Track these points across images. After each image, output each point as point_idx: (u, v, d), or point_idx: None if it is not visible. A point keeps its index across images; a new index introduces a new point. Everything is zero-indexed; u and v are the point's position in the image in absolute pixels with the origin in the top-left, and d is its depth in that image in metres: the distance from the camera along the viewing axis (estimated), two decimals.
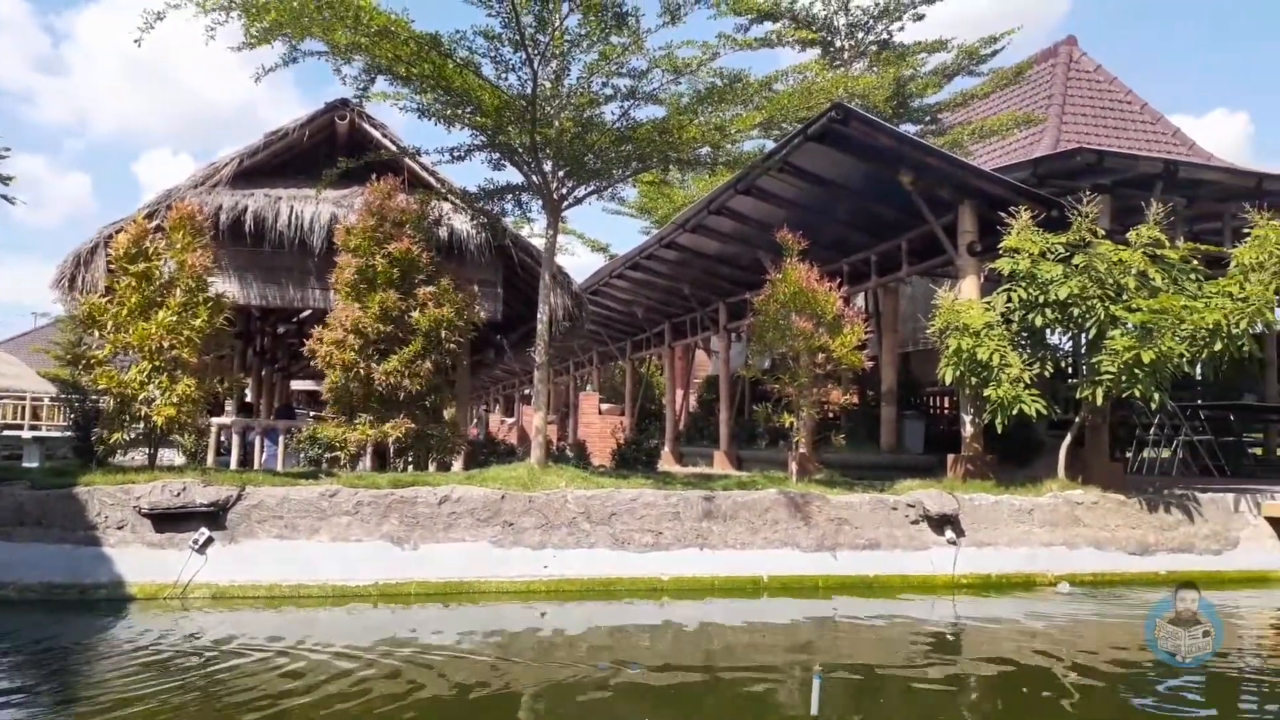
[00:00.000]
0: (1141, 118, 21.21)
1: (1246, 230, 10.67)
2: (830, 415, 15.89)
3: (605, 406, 25.61)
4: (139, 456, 10.44)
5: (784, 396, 11.54)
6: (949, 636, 7.96)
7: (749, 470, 15.54)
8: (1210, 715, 5.79)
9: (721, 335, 19.84)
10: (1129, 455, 14.81)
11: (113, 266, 10.11)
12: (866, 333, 11.35)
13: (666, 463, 20.14)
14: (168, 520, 8.28)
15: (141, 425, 9.72)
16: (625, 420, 24.39)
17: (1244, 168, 15.19)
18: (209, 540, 8.30)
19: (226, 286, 12.36)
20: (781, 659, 6.89)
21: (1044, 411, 10.52)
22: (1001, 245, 10.99)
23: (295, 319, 18.75)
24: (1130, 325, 10.22)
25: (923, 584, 9.36)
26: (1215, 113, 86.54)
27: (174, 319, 9.57)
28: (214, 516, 8.42)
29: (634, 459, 14.65)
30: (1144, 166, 11.79)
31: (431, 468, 11.52)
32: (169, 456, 13.31)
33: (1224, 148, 69.91)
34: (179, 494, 8.34)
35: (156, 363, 9.55)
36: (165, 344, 9.52)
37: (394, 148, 12.60)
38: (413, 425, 10.88)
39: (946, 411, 17.52)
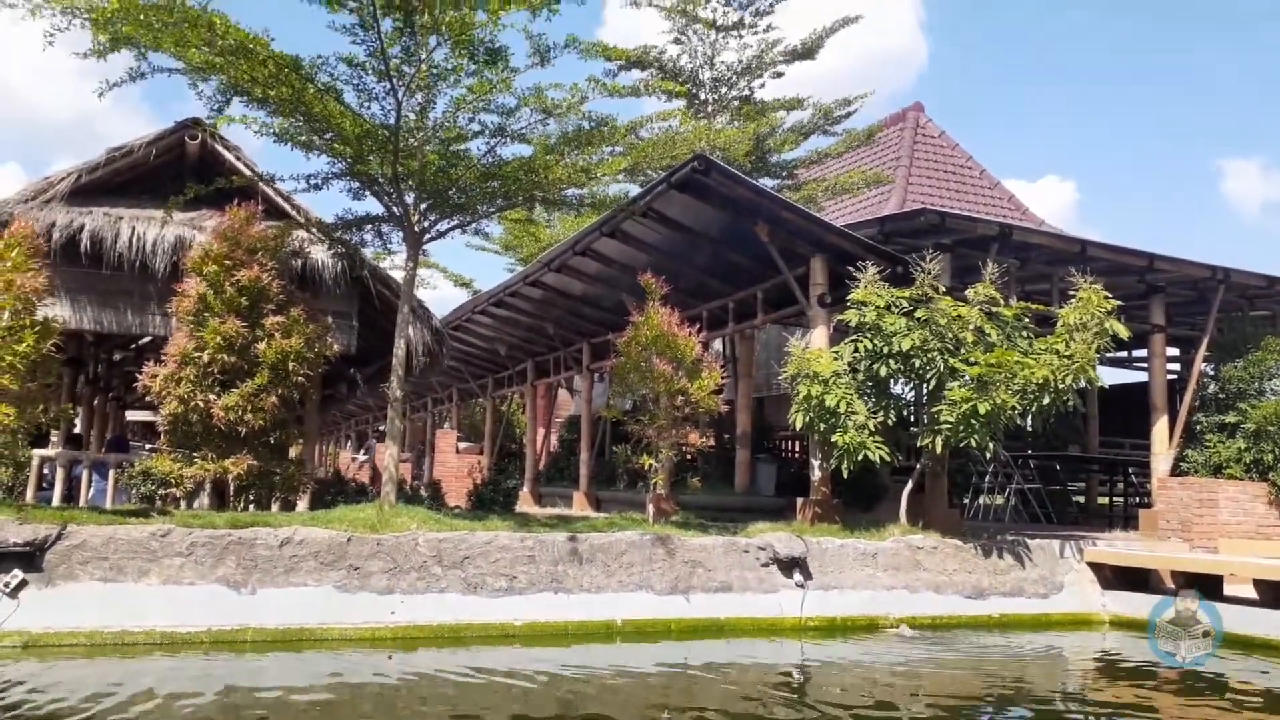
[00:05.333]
0: (980, 182, 22.64)
1: (1072, 292, 11.45)
2: (688, 457, 16.08)
3: (463, 445, 25.20)
4: None
5: (644, 438, 11.62)
6: (795, 681, 8.11)
7: (608, 511, 15.53)
8: None
9: (584, 375, 19.84)
10: (966, 502, 15.57)
11: None
12: (723, 377, 11.59)
13: (525, 503, 19.92)
14: None
15: None
16: (483, 459, 24.02)
17: (1070, 234, 16.37)
18: (22, 583, 7.67)
19: (58, 310, 11.54)
20: (632, 707, 6.85)
21: (887, 458, 10.96)
22: (850, 298, 11.46)
23: (133, 345, 17.70)
24: (968, 377, 10.79)
25: (772, 627, 9.52)
26: (1048, 178, 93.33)
27: None
28: (30, 557, 7.79)
29: (491, 500, 14.42)
30: (982, 229, 12.53)
31: (275, 507, 11.01)
32: None
33: (1054, 213, 75.16)
34: None
35: None
36: None
37: (248, 172, 12.14)
38: (255, 462, 10.39)
39: (797, 455, 18.03)
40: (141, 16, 8.58)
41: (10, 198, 12.15)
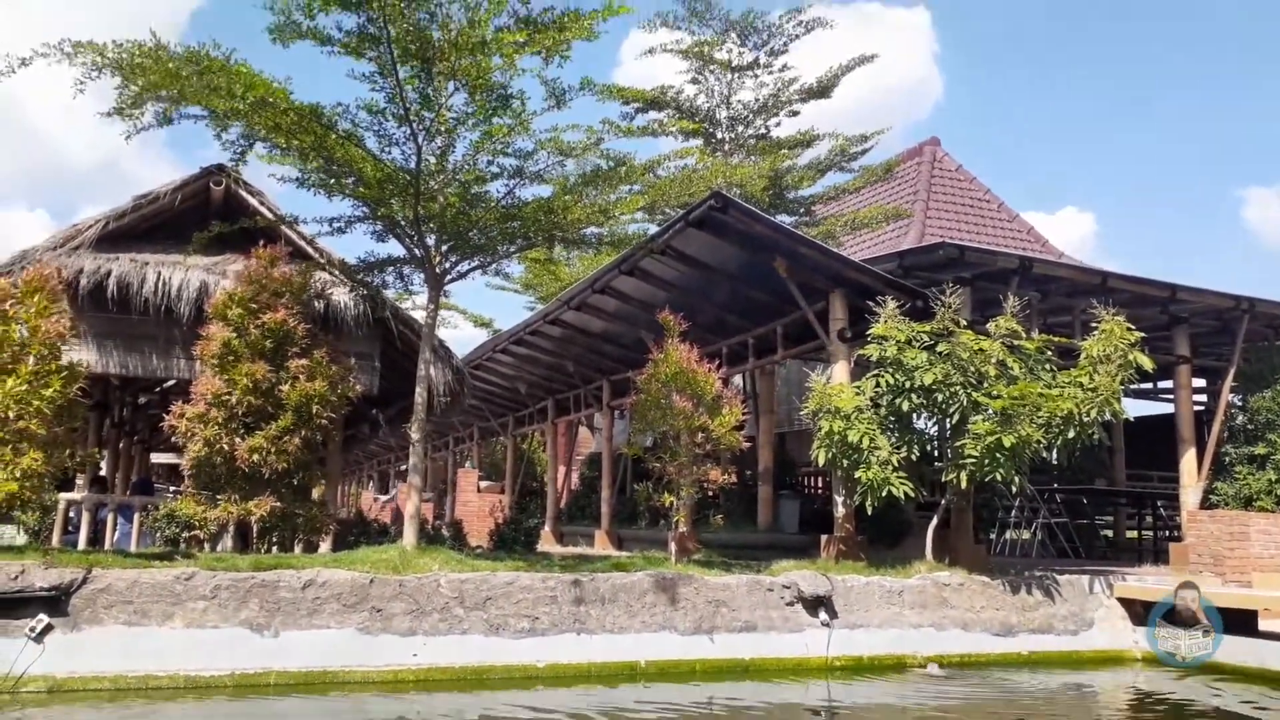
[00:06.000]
0: (999, 215, 22.62)
1: (1094, 325, 11.37)
2: (709, 494, 15.94)
3: (485, 484, 25.15)
4: None
5: (665, 475, 11.57)
6: None
7: (630, 550, 15.45)
8: None
9: (605, 412, 19.84)
10: (992, 537, 15.39)
11: None
12: (744, 413, 11.53)
13: (547, 542, 19.84)
14: (2, 606, 7.65)
15: None
16: (505, 498, 23.98)
17: (1091, 266, 16.30)
18: (48, 628, 7.70)
19: (84, 354, 11.70)
20: None
21: (911, 494, 10.87)
22: (870, 332, 11.42)
23: (158, 389, 17.86)
24: (991, 411, 10.70)
25: (797, 666, 9.41)
26: (1066, 210, 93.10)
27: (24, 388, 8.98)
28: (55, 602, 7.82)
29: (513, 539, 14.38)
30: (1002, 262, 12.49)
31: (298, 549, 11.02)
32: (9, 534, 12.37)
33: (1073, 245, 74.89)
34: (16, 577, 7.74)
35: (0, 435, 8.92)
36: (12, 414, 8.91)
37: (271, 215, 12.31)
38: (278, 504, 10.42)
39: (820, 492, 17.89)
40: (170, 65, 8.77)
41: (40, 245, 12.35)
